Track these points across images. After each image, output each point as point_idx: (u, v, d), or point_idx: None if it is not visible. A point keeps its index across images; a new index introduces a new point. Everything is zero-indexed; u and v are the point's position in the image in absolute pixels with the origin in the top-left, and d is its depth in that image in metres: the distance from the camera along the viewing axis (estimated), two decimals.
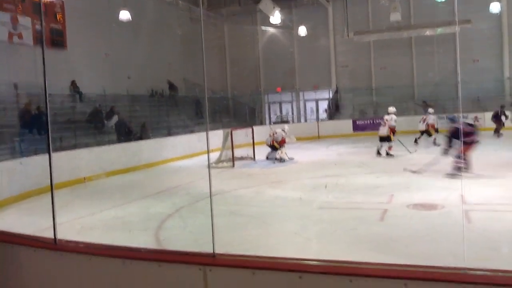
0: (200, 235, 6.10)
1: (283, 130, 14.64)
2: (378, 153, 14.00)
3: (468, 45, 22.14)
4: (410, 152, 12.88)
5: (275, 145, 14.34)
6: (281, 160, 14.12)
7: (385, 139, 13.82)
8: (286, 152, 14.41)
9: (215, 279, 2.71)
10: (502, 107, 18.53)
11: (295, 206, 7.95)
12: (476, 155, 12.35)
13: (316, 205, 7.79)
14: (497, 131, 17.81)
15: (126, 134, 16.00)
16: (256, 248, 5.56)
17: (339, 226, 6.27)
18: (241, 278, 2.67)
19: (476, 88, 21.54)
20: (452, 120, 11.26)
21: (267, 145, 14.67)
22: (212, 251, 2.82)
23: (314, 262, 2.70)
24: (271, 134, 14.60)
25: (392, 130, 13.79)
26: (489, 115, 20.63)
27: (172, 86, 22.38)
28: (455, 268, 2.36)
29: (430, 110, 16.34)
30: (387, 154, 13.81)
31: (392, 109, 14.18)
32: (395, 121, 13.92)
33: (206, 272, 2.72)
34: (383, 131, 13.83)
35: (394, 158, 13.41)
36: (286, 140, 14.46)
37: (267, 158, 14.72)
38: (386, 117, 14.04)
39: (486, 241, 5.20)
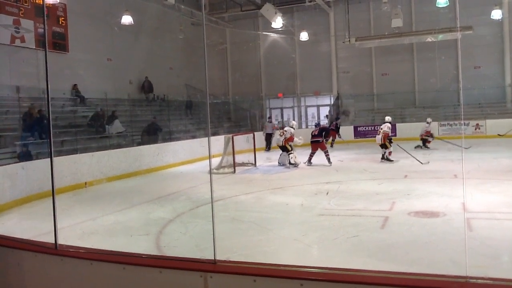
0: (201, 240, 6.10)
1: (291, 126, 14.61)
2: (382, 157, 14.26)
3: (470, 52, 22.21)
4: (422, 163, 12.93)
5: (287, 147, 14.10)
6: (295, 164, 13.93)
7: (382, 146, 14.18)
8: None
9: (216, 286, 2.71)
10: None
11: (296, 212, 7.94)
12: (477, 162, 12.45)
13: (317, 212, 7.77)
14: None
15: (155, 134, 17.03)
16: (256, 254, 5.56)
17: (340, 233, 6.26)
18: (242, 285, 2.67)
19: (478, 95, 21.57)
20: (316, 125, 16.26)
21: (279, 145, 14.42)
22: (213, 258, 2.82)
23: (315, 269, 2.69)
24: (281, 134, 14.42)
25: (386, 137, 14.10)
26: (490, 122, 20.68)
27: (149, 85, 21.35)
28: (456, 277, 2.36)
29: (429, 119, 17.95)
30: (387, 159, 14.03)
31: (387, 118, 14.79)
32: (389, 128, 14.34)
33: (207, 279, 2.71)
34: (378, 139, 14.26)
35: (396, 164, 13.44)
36: (294, 139, 14.21)
37: (279, 163, 14.49)
38: (382, 125, 14.61)
39: (487, 250, 5.18)
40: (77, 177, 11.72)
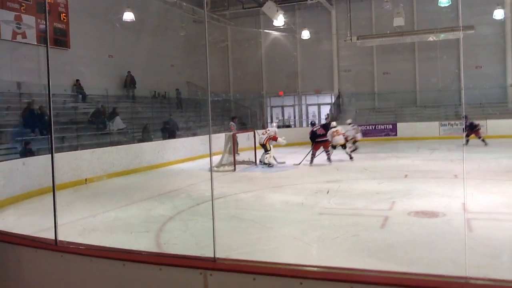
0: (201, 238, 6.10)
1: (274, 127, 14.99)
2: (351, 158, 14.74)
3: (471, 51, 22.17)
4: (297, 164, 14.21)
5: (267, 146, 14.08)
6: (269, 165, 13.93)
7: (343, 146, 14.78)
8: (274, 156, 14.32)
9: (215, 283, 2.70)
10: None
11: (296, 211, 7.93)
12: (477, 162, 12.43)
13: (317, 211, 7.77)
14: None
15: (173, 131, 17.49)
16: (256, 252, 5.56)
17: (340, 232, 6.26)
18: (242, 283, 2.66)
19: (479, 95, 21.54)
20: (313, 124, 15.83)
21: (260, 143, 14.37)
22: (213, 255, 2.82)
23: (315, 268, 2.69)
24: (264, 132, 14.51)
25: (346, 138, 15.16)
26: (491, 122, 20.64)
27: (132, 80, 20.45)
28: (456, 277, 2.35)
29: (349, 120, 18.18)
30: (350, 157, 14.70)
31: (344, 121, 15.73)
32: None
33: (207, 277, 2.71)
34: (341, 139, 14.60)
35: (396, 164, 13.44)
36: (278, 140, 14.27)
37: (260, 161, 14.45)
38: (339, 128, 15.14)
39: (487, 250, 5.18)
40: (77, 173, 11.73)
